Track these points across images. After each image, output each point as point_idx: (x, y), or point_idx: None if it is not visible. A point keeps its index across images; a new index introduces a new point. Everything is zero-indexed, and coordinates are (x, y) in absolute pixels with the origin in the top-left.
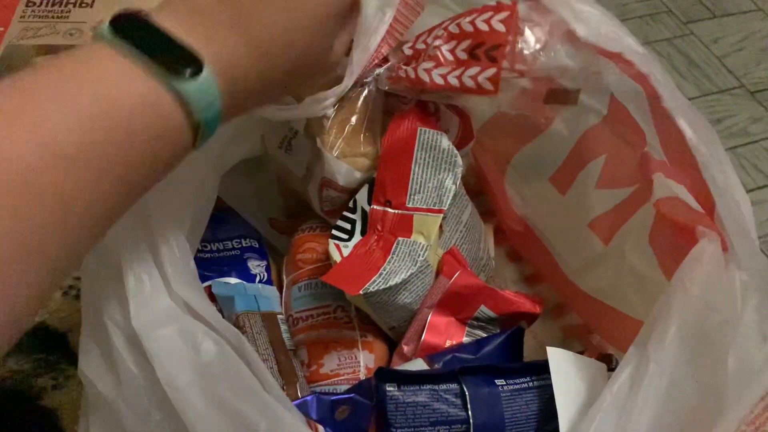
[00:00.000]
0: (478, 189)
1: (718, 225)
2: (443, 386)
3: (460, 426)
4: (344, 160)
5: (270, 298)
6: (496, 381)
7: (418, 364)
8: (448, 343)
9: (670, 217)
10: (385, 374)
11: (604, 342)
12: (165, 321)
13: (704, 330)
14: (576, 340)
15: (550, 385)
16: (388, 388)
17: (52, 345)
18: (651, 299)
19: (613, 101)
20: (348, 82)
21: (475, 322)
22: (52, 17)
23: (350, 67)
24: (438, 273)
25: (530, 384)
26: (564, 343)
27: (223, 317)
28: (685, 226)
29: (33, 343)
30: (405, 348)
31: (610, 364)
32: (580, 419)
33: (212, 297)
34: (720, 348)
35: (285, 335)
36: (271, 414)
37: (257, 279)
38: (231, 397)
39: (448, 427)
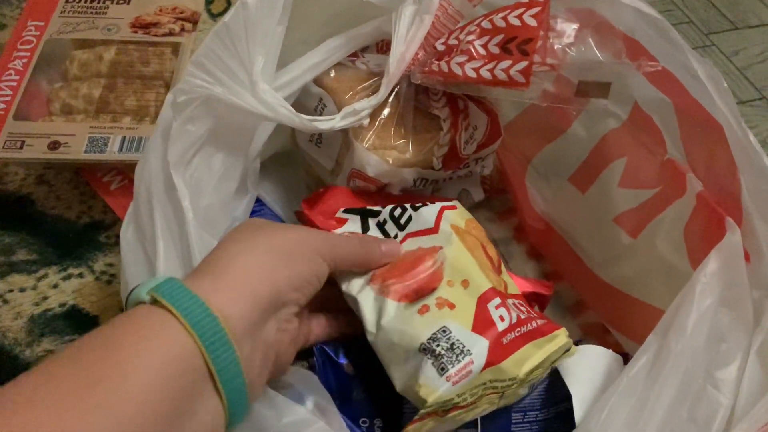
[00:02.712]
0: (501, 187)
1: (746, 239)
2: None
3: None
4: (375, 152)
5: None
6: None
7: None
8: None
9: (712, 204)
10: None
11: (621, 340)
12: None
13: (718, 326)
14: (594, 339)
15: (554, 367)
16: None
17: (85, 327)
18: (677, 289)
19: (636, 109)
20: (384, 92)
21: None
22: (91, 13)
23: (387, 77)
24: None
25: None
26: (582, 341)
27: None
28: (721, 216)
29: (66, 326)
30: None
31: (625, 363)
32: (591, 402)
33: None
34: (734, 345)
35: None
36: (275, 404)
37: None
38: None
39: None
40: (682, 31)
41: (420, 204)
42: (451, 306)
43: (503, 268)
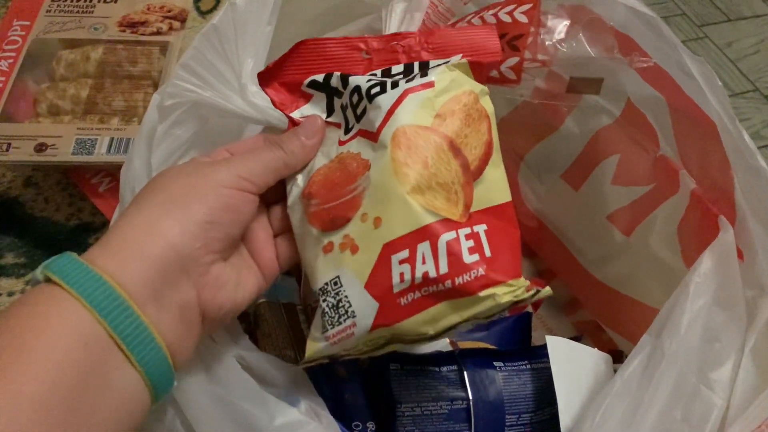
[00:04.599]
0: None
1: (740, 238)
2: (444, 368)
3: (461, 402)
4: None
5: (289, 289)
6: (494, 363)
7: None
8: None
9: (705, 202)
10: (389, 355)
11: (615, 338)
12: None
13: (712, 325)
14: (588, 337)
15: (549, 368)
16: (392, 367)
17: None
18: (671, 288)
19: (629, 105)
20: None
21: None
22: (78, 12)
23: None
24: None
25: (527, 366)
26: (576, 339)
27: None
28: (714, 214)
29: None
30: None
31: (619, 361)
32: (580, 405)
33: None
34: (727, 345)
35: (303, 326)
36: (268, 406)
37: None
38: (230, 396)
39: (449, 402)
40: (675, 23)
41: (378, 90)
42: (354, 249)
43: (488, 168)
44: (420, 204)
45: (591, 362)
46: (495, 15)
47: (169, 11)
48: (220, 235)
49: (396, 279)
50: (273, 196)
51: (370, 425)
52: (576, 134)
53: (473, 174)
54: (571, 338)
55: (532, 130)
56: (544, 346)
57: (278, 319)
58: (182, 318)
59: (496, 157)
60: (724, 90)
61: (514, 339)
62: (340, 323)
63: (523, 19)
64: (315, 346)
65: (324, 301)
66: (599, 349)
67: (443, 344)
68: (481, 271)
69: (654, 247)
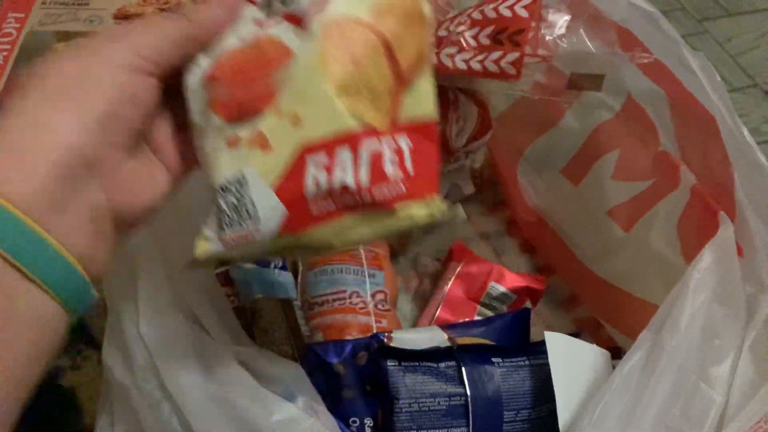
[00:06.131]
0: (492, 180)
1: (739, 234)
2: (442, 364)
3: (459, 398)
4: None
5: (285, 284)
6: (492, 359)
7: (436, 331)
8: (461, 320)
9: (706, 197)
10: (386, 351)
11: (614, 334)
12: (167, 329)
13: (712, 322)
14: (587, 333)
15: (547, 364)
16: (389, 364)
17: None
18: (671, 284)
19: (630, 100)
20: None
21: (486, 301)
22: (73, 4)
23: None
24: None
25: (526, 362)
26: (575, 335)
27: (241, 300)
28: (715, 209)
29: None
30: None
31: (618, 357)
32: (579, 401)
33: (230, 281)
34: (727, 341)
35: (300, 322)
36: (265, 402)
37: (273, 265)
38: (227, 392)
39: (447, 398)
40: (675, 18)
41: None
42: (266, 147)
43: (422, 77)
44: (345, 106)
45: (590, 358)
46: (495, 9)
47: (166, 3)
48: (123, 129)
49: (310, 184)
50: (177, 81)
51: (368, 421)
52: (576, 129)
53: (404, 83)
54: (570, 334)
55: (531, 125)
56: (543, 342)
57: (275, 314)
58: (93, 224)
59: (427, 68)
60: (724, 85)
61: (513, 335)
62: (240, 226)
63: (524, 13)
64: (206, 247)
65: (223, 200)
66: (598, 345)
67: (441, 340)
68: (401, 186)
69: (654, 242)
